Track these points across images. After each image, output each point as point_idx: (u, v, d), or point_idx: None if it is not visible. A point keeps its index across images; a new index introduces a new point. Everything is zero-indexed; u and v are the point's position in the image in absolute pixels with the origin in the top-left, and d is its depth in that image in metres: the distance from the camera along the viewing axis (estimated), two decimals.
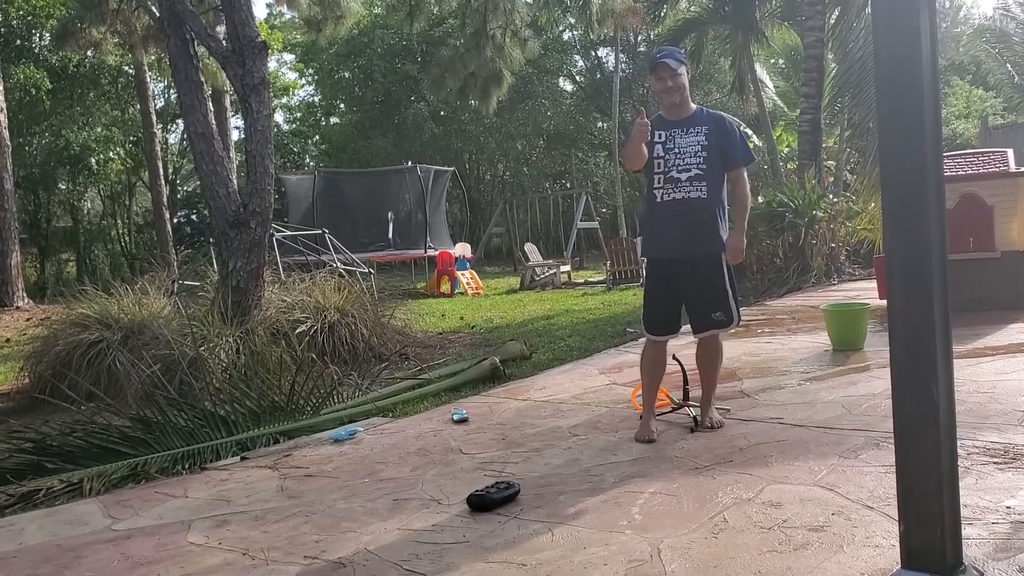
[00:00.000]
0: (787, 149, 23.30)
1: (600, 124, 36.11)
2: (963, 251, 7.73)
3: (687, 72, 4.57)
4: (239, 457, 4.91)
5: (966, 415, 4.15)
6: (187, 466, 4.78)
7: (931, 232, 2.50)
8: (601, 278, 17.84)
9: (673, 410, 4.95)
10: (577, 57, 36.19)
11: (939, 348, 2.51)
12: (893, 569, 2.62)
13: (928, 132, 2.50)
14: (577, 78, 37.16)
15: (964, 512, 2.71)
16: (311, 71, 36.43)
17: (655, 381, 4.70)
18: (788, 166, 18.80)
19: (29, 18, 22.81)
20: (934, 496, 2.53)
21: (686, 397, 4.94)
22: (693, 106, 4.62)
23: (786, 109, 25.60)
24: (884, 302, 8.15)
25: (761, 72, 20.90)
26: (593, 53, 36.12)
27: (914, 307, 2.53)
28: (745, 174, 4.58)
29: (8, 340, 12.54)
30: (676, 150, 4.49)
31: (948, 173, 7.78)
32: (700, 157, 4.44)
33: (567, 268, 19.51)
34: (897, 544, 2.66)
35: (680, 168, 4.46)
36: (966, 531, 2.72)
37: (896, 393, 2.59)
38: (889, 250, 2.59)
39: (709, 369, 4.74)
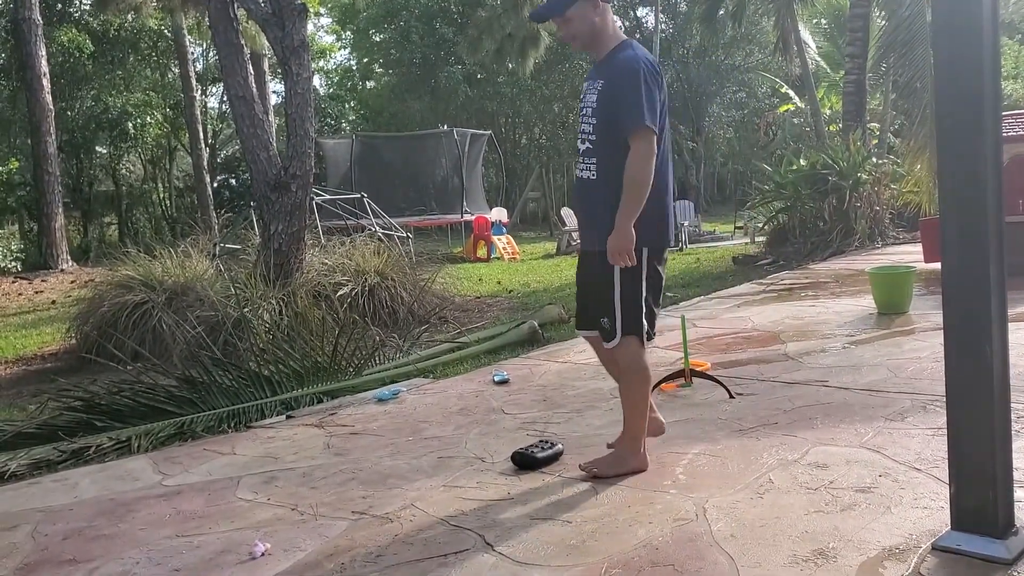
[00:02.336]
0: (829, 111, 22.91)
1: None
2: (1013, 213, 7.58)
3: (589, 5, 3.33)
4: (285, 416, 4.98)
5: (1018, 378, 4.09)
6: (233, 425, 4.85)
7: (988, 192, 2.46)
8: None
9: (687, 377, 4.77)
10: (616, 17, 35.72)
11: (994, 308, 2.47)
12: (942, 531, 2.61)
13: (987, 88, 2.44)
14: None
15: (1017, 475, 2.68)
16: (348, 33, 36.35)
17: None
18: (831, 128, 18.49)
19: None
20: (986, 458, 2.51)
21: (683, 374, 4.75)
22: (611, 46, 3.39)
23: (829, 70, 25.12)
24: (930, 266, 8.09)
25: (804, 32, 20.49)
26: (632, 12, 35.66)
27: (969, 266, 2.49)
28: (641, 143, 3.18)
29: (54, 302, 12.78)
30: (580, 113, 3.47)
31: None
32: (590, 124, 3.38)
33: None
34: (946, 506, 2.65)
35: (579, 137, 3.46)
36: (1018, 494, 2.69)
37: (949, 354, 2.56)
38: (945, 209, 2.55)
39: (620, 391, 3.56)
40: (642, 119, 3.17)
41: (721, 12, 20.92)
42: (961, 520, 2.55)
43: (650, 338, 3.47)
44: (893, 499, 2.94)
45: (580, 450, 3.77)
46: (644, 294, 3.36)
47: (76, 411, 4.99)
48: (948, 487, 2.60)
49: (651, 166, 3.20)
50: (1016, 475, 2.66)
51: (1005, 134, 7.85)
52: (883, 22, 14.25)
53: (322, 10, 31.94)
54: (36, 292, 14.68)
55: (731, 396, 4.46)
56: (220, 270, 8.34)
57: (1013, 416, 3.01)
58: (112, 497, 3.73)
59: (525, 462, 3.59)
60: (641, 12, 35.31)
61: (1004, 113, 8.63)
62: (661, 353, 5.79)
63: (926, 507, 2.85)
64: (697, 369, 4.81)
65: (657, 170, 3.26)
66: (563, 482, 3.40)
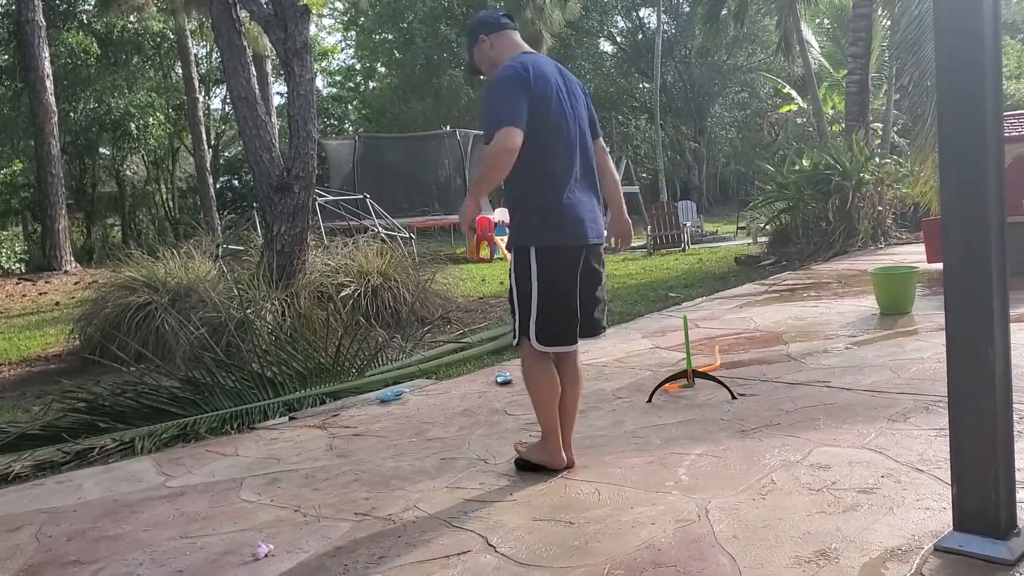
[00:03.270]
0: (832, 111, 22.91)
1: (642, 85, 35.75)
2: (1015, 213, 7.57)
3: (481, 41, 3.57)
4: (288, 417, 4.99)
5: (1019, 379, 4.08)
6: (236, 426, 4.86)
7: (989, 191, 2.46)
8: (641, 243, 17.73)
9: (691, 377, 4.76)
10: (618, 18, 35.78)
11: (996, 309, 2.47)
12: (944, 531, 2.60)
13: (988, 90, 2.45)
14: (618, 39, 36.75)
15: (1019, 476, 2.68)
16: (351, 33, 36.39)
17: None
18: (833, 128, 18.48)
19: None
20: (989, 459, 2.51)
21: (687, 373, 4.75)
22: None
23: (831, 70, 25.12)
24: (932, 266, 8.08)
25: (807, 32, 20.50)
26: (634, 13, 35.68)
27: (971, 267, 2.49)
28: (493, 141, 3.27)
29: (58, 303, 12.80)
30: None
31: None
32: None
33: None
34: (948, 507, 2.65)
35: None
36: (1021, 495, 2.69)
37: (951, 355, 2.56)
38: (946, 209, 2.55)
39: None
40: (491, 124, 3.28)
41: (723, 12, 20.93)
42: (963, 521, 2.55)
43: (567, 343, 3.46)
44: (895, 500, 2.94)
45: (583, 451, 3.77)
46: (536, 296, 3.36)
47: (79, 412, 5.00)
48: (950, 488, 2.60)
49: (496, 159, 3.26)
50: (1019, 476, 2.67)
51: (1008, 134, 7.85)
52: (887, 21, 14.25)
53: (324, 11, 31.96)
54: (40, 294, 14.71)
55: (733, 397, 4.46)
56: (223, 271, 8.35)
57: (1016, 417, 3.02)
58: (116, 498, 3.74)
59: (528, 464, 3.59)
60: (643, 13, 35.31)
61: (1006, 113, 8.64)
62: (664, 354, 5.80)
63: (928, 508, 2.85)
64: (699, 370, 4.80)
65: (543, 168, 3.34)
66: (565, 483, 3.40)
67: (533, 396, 3.55)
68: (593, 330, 3.55)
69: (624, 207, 3.80)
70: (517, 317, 3.44)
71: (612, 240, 3.71)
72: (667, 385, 4.70)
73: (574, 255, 3.40)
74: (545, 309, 3.38)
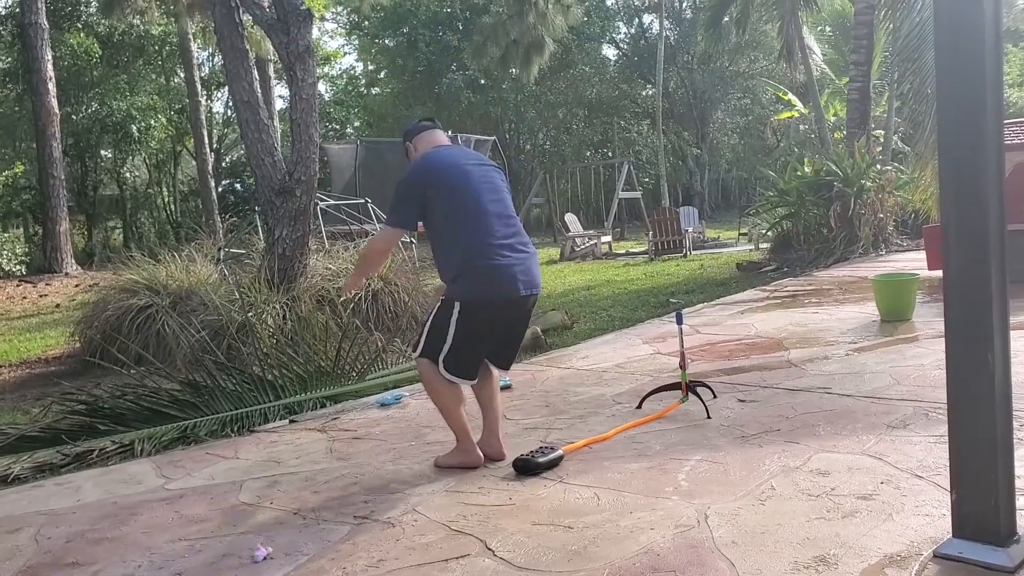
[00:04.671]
0: (834, 118, 22.91)
1: (644, 91, 35.79)
2: (1017, 221, 7.56)
3: (407, 147, 4.03)
4: (288, 420, 4.99)
5: (1020, 387, 4.07)
6: (236, 429, 4.86)
7: (989, 199, 2.46)
8: (643, 249, 17.75)
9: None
10: (620, 24, 35.85)
11: (996, 316, 2.47)
12: (943, 538, 2.60)
13: (989, 98, 2.45)
14: (621, 45, 36.82)
15: (1018, 483, 2.68)
16: (355, 38, 36.44)
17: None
18: (835, 135, 18.48)
19: None
20: (988, 465, 2.50)
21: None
22: None
23: (833, 77, 25.13)
24: (933, 273, 8.08)
25: (809, 39, 20.51)
26: (637, 19, 35.74)
27: (971, 275, 2.50)
28: (374, 239, 4.27)
29: (58, 305, 12.82)
30: None
31: (1004, 141, 7.61)
32: None
33: (608, 239, 19.44)
34: (948, 513, 2.65)
35: None
36: (1020, 501, 2.69)
37: (951, 362, 2.56)
38: (946, 217, 2.55)
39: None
40: (387, 220, 3.89)
41: (725, 19, 20.94)
42: (962, 527, 2.55)
43: (469, 378, 3.78)
44: (895, 506, 2.94)
45: (581, 456, 3.78)
46: (451, 338, 3.66)
47: (79, 415, 5.00)
48: (950, 494, 2.60)
49: (375, 254, 4.23)
50: (1018, 483, 2.66)
51: (1009, 142, 7.86)
52: (889, 24, 14.24)
53: (328, 15, 31.99)
54: (40, 296, 14.73)
55: (708, 416, 4.27)
56: (224, 275, 8.36)
57: (1015, 424, 3.01)
58: (115, 500, 3.74)
59: (526, 468, 3.59)
60: (646, 19, 35.36)
61: (1008, 121, 8.64)
62: (664, 360, 5.80)
63: (928, 514, 2.85)
64: (693, 381, 4.67)
65: (462, 238, 3.69)
66: (564, 487, 3.40)
67: (436, 403, 3.86)
68: (501, 365, 3.94)
69: None
70: (423, 338, 3.77)
71: None
72: (665, 408, 4.58)
73: (496, 309, 3.71)
74: (455, 352, 3.70)
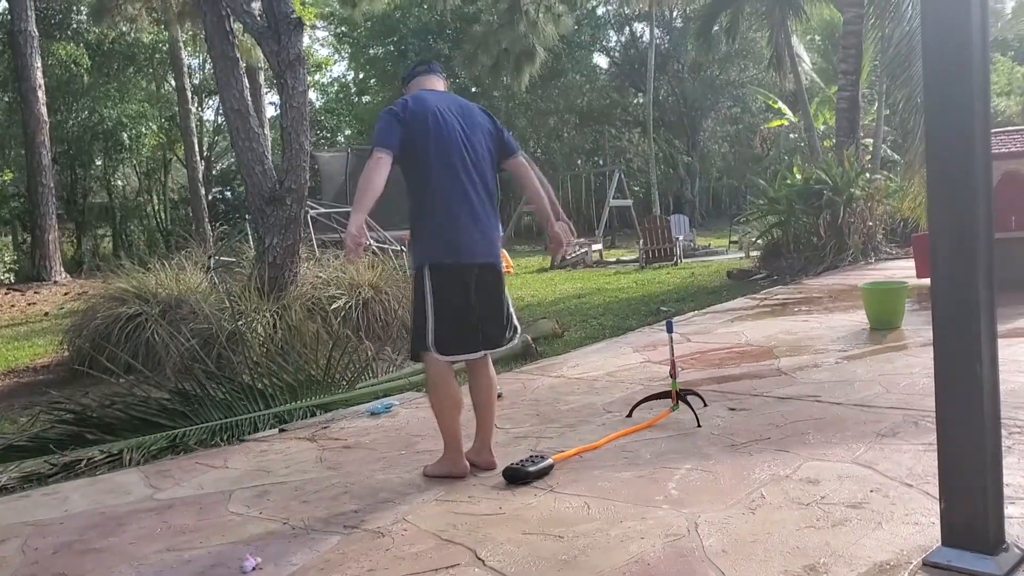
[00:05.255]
0: (824, 126, 23.02)
1: (635, 99, 35.88)
2: (1005, 230, 7.61)
3: (403, 93, 4.00)
4: (278, 429, 4.97)
5: (1008, 395, 4.08)
6: (225, 438, 4.84)
7: (978, 208, 2.47)
8: (633, 257, 17.77)
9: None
10: (611, 32, 35.96)
11: (984, 325, 2.48)
12: (933, 546, 2.61)
13: (977, 108, 2.46)
14: (611, 53, 36.92)
15: (1007, 491, 2.68)
16: (345, 46, 36.48)
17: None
18: (825, 143, 18.57)
19: None
20: (977, 474, 2.51)
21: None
22: None
23: (823, 85, 25.26)
24: (922, 281, 8.11)
25: (798, 48, 20.61)
26: (628, 28, 35.85)
27: (959, 284, 2.50)
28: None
29: (47, 313, 12.76)
30: None
31: (992, 151, 7.65)
32: None
33: (599, 247, 19.46)
34: (937, 522, 2.65)
35: None
36: (1009, 510, 2.70)
37: (939, 370, 2.56)
38: (934, 226, 2.56)
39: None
40: (371, 146, 3.70)
41: (715, 28, 21.04)
42: (952, 536, 2.55)
43: (467, 351, 3.73)
44: (884, 515, 2.94)
45: (572, 464, 3.77)
46: (431, 311, 3.64)
47: (67, 424, 4.98)
48: (939, 503, 2.60)
49: (368, 173, 3.61)
50: (1007, 491, 2.67)
51: (997, 151, 7.90)
52: (878, 33, 14.31)
53: (318, 23, 32.01)
54: (29, 304, 14.67)
55: (698, 424, 4.27)
56: (214, 283, 8.34)
57: (1004, 432, 3.02)
58: (103, 511, 3.72)
59: (516, 476, 3.58)
60: (637, 27, 35.48)
61: (996, 130, 8.69)
62: (655, 368, 5.80)
63: (917, 523, 2.85)
64: (683, 390, 4.65)
65: (429, 189, 3.69)
66: (555, 496, 3.40)
67: (433, 406, 3.82)
68: (488, 343, 3.80)
69: (552, 215, 3.94)
70: (413, 332, 3.75)
71: (549, 248, 3.93)
72: (655, 417, 4.58)
73: (461, 272, 3.68)
74: (441, 321, 3.64)
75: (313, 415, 5.28)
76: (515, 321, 3.91)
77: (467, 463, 3.76)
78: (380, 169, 3.60)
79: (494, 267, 3.80)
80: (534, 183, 3.94)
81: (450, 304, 3.64)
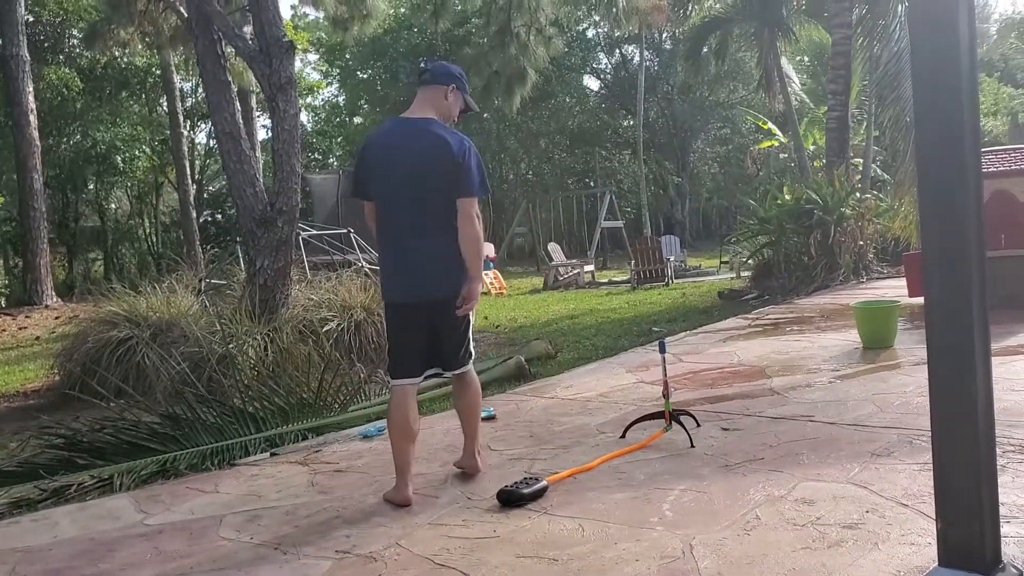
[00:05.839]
0: (813, 146, 23.15)
1: (625, 121, 36.05)
2: (995, 248, 7.64)
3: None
4: (269, 453, 4.94)
5: (1002, 413, 4.07)
6: (216, 462, 4.80)
7: (969, 227, 2.47)
8: (625, 278, 17.79)
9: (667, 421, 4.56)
10: (601, 54, 36.18)
11: (978, 343, 2.48)
12: (930, 567, 2.59)
13: (967, 127, 2.47)
14: (602, 75, 37.12)
15: (1002, 510, 2.67)
16: (335, 70, 36.61)
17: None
18: (815, 163, 18.66)
19: (58, 20, 23.03)
20: (972, 493, 2.50)
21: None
22: None
23: (812, 105, 25.43)
24: (914, 300, 8.12)
25: (787, 68, 20.77)
26: (618, 51, 36.07)
27: (952, 303, 2.50)
28: None
29: (38, 338, 12.69)
30: None
31: (982, 169, 7.69)
32: None
33: (591, 268, 19.48)
34: (933, 542, 2.64)
35: None
36: (1005, 529, 2.69)
37: (933, 389, 2.56)
38: (927, 245, 2.56)
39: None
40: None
41: (705, 50, 21.18)
42: (948, 556, 2.53)
43: (407, 376, 3.85)
44: (880, 535, 2.92)
45: (566, 486, 3.75)
46: (389, 340, 3.97)
47: (58, 449, 4.93)
48: (935, 523, 2.59)
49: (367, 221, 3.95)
50: (1002, 510, 2.66)
51: (986, 170, 7.94)
52: (867, 53, 14.43)
53: (310, 47, 32.14)
54: (20, 328, 14.59)
55: (692, 445, 4.26)
56: (205, 306, 8.31)
57: (998, 451, 3.01)
58: (92, 537, 3.68)
59: (511, 499, 3.56)
60: (627, 50, 35.69)
61: (985, 149, 8.74)
62: (648, 388, 5.79)
63: (913, 543, 2.84)
64: (676, 410, 4.60)
65: (378, 229, 3.89)
66: (549, 519, 3.37)
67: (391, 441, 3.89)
68: (441, 365, 3.95)
69: (469, 268, 3.79)
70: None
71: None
72: (647, 440, 4.56)
73: (396, 308, 3.87)
74: (391, 348, 3.93)
75: (305, 438, 5.24)
76: (471, 347, 3.97)
77: (409, 495, 3.73)
78: (368, 216, 3.92)
79: (442, 301, 3.77)
80: (462, 230, 3.77)
81: (396, 338, 3.89)
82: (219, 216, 31.96)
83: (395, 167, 3.75)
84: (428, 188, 3.72)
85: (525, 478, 3.74)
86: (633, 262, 16.88)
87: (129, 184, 28.70)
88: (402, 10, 30.12)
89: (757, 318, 9.18)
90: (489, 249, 20.27)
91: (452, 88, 3.95)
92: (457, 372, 3.96)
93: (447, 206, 3.73)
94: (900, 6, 12.01)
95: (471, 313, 3.91)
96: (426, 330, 3.82)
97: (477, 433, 4.09)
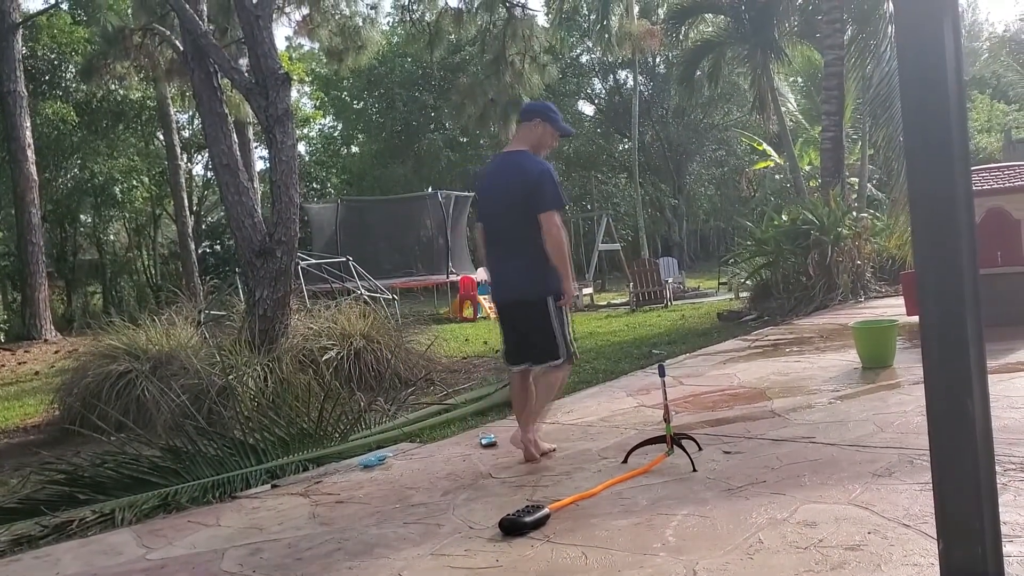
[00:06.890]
0: (808, 166, 23.24)
1: (621, 145, 36.22)
2: (991, 266, 7.67)
3: None
4: (270, 485, 4.92)
5: (1001, 431, 4.09)
6: (218, 495, 4.79)
7: (962, 247, 2.49)
8: (624, 300, 17.80)
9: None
10: (595, 80, 36.40)
11: (973, 361, 2.48)
12: None
13: (955, 146, 2.49)
14: (596, 100, 37.33)
15: (1004, 529, 2.67)
16: (330, 101, 36.79)
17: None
18: (811, 183, 18.73)
19: (54, 54, 23.18)
20: (973, 513, 2.50)
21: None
22: None
23: (807, 126, 25.55)
24: (912, 318, 8.13)
25: (782, 89, 20.88)
26: (612, 75, 36.29)
27: (947, 322, 2.51)
28: None
29: (37, 373, 12.68)
30: None
31: (974, 187, 7.73)
32: None
33: (589, 291, 19.50)
34: (936, 562, 2.63)
35: None
36: (1007, 548, 2.69)
37: (931, 409, 2.56)
38: (920, 266, 2.58)
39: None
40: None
41: (698, 73, 21.31)
42: None
43: (508, 362, 5.01)
44: (883, 556, 2.92)
45: (568, 513, 3.74)
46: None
47: (59, 484, 4.92)
48: (937, 543, 2.59)
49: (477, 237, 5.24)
50: (1004, 529, 2.66)
51: (981, 188, 7.99)
52: (859, 73, 14.53)
53: (306, 78, 32.33)
54: (19, 363, 14.58)
55: (694, 469, 4.24)
56: (205, 337, 8.32)
57: (999, 469, 3.02)
58: (95, 573, 3.67)
59: (513, 528, 3.55)
60: (621, 75, 35.92)
61: (979, 167, 8.79)
62: (649, 412, 5.79)
63: (916, 564, 2.83)
64: (677, 434, 4.59)
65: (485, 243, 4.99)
66: (552, 547, 3.36)
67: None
68: (531, 359, 4.75)
69: (558, 270, 4.60)
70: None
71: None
72: (651, 462, 4.55)
73: (500, 307, 4.89)
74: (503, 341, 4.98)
75: (306, 469, 5.23)
76: (559, 350, 4.64)
77: (525, 438, 4.74)
78: (479, 236, 4.98)
79: (521, 303, 4.66)
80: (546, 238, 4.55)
81: (501, 330, 4.93)
82: (218, 247, 32.03)
83: (491, 194, 4.75)
84: (513, 210, 4.57)
85: (527, 506, 3.73)
86: (631, 284, 16.89)
87: (127, 216, 28.76)
88: (396, 39, 30.30)
89: (756, 339, 9.18)
90: (483, 274, 20.32)
91: (537, 122, 4.80)
92: (542, 367, 4.70)
93: (530, 223, 4.52)
94: (890, 27, 12.12)
95: (565, 317, 4.66)
96: (513, 327, 4.78)
97: (536, 417, 4.79)
